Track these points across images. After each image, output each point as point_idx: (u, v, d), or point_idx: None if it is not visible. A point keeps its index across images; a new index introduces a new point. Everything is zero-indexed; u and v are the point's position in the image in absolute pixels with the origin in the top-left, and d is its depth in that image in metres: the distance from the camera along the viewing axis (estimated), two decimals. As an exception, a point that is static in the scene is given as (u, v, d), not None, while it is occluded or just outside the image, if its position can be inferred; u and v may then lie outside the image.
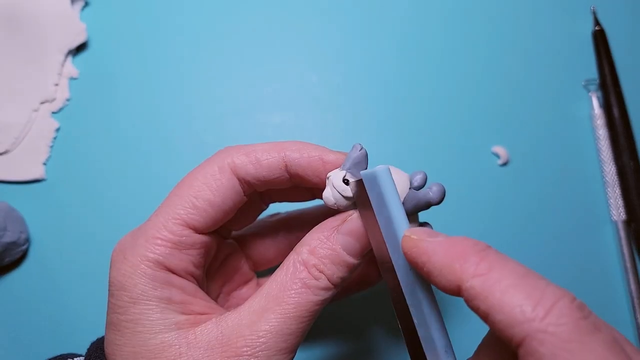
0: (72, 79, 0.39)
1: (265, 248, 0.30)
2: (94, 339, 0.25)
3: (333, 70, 0.40)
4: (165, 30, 0.41)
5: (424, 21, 0.41)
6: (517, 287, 0.16)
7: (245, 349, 0.20)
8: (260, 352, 0.20)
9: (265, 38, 0.41)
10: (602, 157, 0.38)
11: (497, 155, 0.38)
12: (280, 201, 0.29)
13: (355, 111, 0.39)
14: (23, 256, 0.36)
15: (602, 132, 0.38)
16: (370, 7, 0.41)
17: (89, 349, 0.24)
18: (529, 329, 0.15)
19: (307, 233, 0.23)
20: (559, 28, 0.41)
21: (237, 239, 0.29)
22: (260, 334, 0.21)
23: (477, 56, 0.40)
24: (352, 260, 0.22)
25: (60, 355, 0.25)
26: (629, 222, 0.37)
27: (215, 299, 0.28)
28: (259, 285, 0.30)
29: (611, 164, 0.38)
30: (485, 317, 0.16)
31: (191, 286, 0.23)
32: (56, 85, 0.39)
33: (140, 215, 0.24)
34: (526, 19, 0.41)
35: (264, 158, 0.23)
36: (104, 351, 0.23)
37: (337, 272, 0.22)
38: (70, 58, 0.40)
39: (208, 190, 0.23)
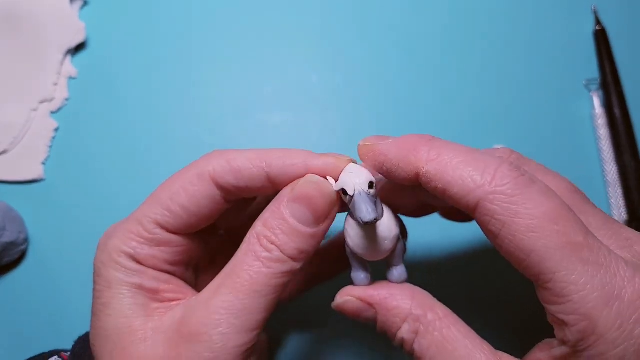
0: (71, 78, 0.39)
1: None
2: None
3: (333, 70, 0.40)
4: (165, 29, 0.41)
5: (424, 21, 0.41)
6: (465, 163, 0.19)
7: (197, 326, 0.20)
8: (213, 330, 0.20)
9: (265, 38, 0.41)
10: (603, 156, 0.38)
11: (498, 155, 0.38)
12: None
13: (355, 111, 0.39)
14: (22, 256, 0.36)
15: (604, 132, 0.38)
16: (370, 7, 0.41)
17: (76, 340, 0.25)
18: (481, 194, 0.18)
19: None
20: (560, 28, 0.41)
21: (231, 235, 0.29)
22: (213, 309, 0.20)
23: (477, 56, 0.40)
24: (305, 229, 0.21)
25: (55, 350, 0.25)
26: (630, 222, 0.37)
27: None
28: None
29: (612, 163, 0.37)
30: (443, 193, 0.19)
31: (164, 275, 0.23)
32: (55, 84, 0.39)
33: (139, 216, 0.24)
34: (527, 19, 0.41)
35: (245, 167, 0.22)
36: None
37: (290, 243, 0.21)
38: (69, 57, 0.40)
39: (184, 195, 0.22)
